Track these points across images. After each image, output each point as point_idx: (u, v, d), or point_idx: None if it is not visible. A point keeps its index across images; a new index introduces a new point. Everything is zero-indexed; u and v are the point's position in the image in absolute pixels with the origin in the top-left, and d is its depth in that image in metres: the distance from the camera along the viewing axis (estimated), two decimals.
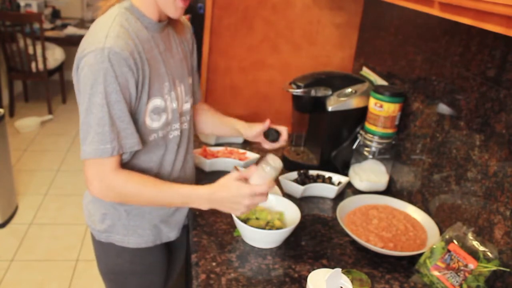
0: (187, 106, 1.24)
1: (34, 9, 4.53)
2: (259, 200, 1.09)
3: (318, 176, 1.53)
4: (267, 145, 1.40)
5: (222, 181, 1.10)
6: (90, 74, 0.99)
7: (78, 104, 1.06)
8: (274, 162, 1.10)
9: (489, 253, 1.05)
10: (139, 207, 1.21)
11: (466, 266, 1.06)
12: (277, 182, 1.48)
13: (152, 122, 1.12)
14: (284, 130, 1.38)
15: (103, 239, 1.24)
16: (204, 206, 1.10)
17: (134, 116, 1.08)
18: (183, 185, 1.11)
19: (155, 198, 1.10)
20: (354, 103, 1.57)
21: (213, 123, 1.45)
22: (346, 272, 1.10)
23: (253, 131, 1.37)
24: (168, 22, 1.18)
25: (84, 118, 1.03)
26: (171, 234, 1.30)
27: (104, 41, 0.99)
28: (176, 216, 1.30)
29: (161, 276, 1.35)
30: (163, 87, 1.13)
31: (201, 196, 1.09)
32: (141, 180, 1.08)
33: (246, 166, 1.57)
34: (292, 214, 1.26)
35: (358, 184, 1.55)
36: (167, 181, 1.12)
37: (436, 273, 1.10)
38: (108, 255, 1.28)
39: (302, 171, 1.52)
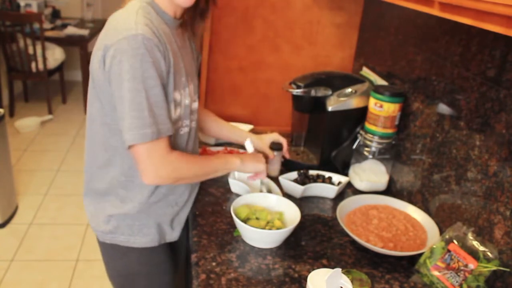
0: (195, 105, 1.25)
1: (34, 9, 4.53)
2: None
3: (318, 176, 1.53)
4: (271, 154, 1.56)
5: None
6: (125, 60, 0.98)
7: (113, 90, 1.03)
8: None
9: (489, 253, 1.05)
10: (148, 205, 1.21)
11: (466, 266, 1.06)
12: (277, 182, 1.49)
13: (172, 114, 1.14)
14: (284, 142, 1.59)
15: (108, 240, 1.24)
16: (236, 166, 1.31)
17: None
18: (217, 155, 1.29)
19: (204, 169, 1.22)
20: (354, 103, 1.57)
21: (221, 129, 1.55)
22: (346, 272, 1.10)
23: (264, 143, 1.55)
24: (184, 22, 1.20)
25: (121, 105, 1.02)
26: (174, 234, 1.30)
27: (135, 28, 0.99)
28: (180, 216, 1.30)
29: (169, 275, 1.35)
30: (181, 81, 1.14)
31: (234, 161, 1.29)
32: (190, 156, 1.18)
33: None
34: (292, 214, 1.26)
35: (358, 184, 1.55)
36: (203, 155, 1.28)
37: (436, 273, 1.10)
38: (114, 258, 1.27)
39: (302, 171, 1.52)
